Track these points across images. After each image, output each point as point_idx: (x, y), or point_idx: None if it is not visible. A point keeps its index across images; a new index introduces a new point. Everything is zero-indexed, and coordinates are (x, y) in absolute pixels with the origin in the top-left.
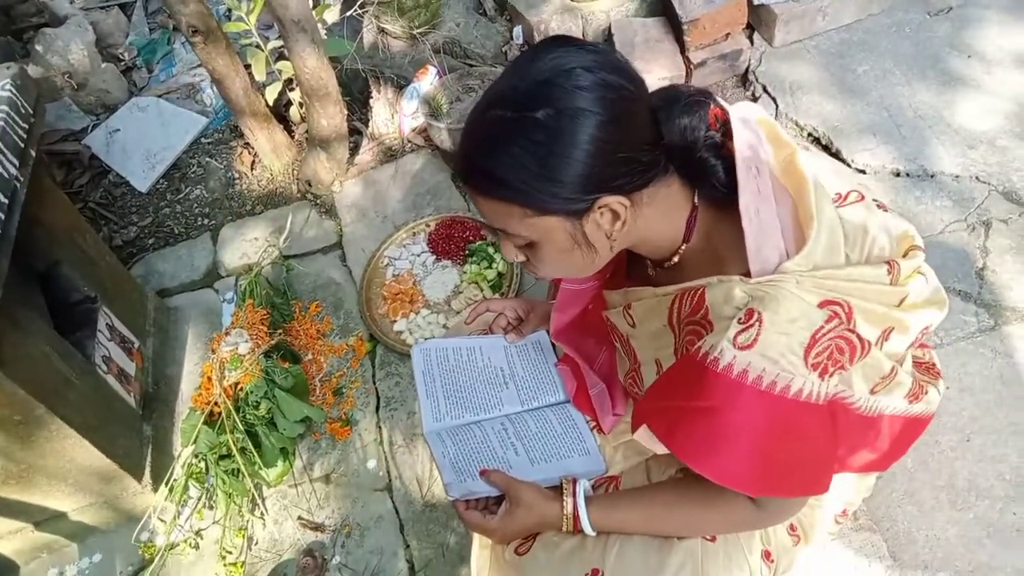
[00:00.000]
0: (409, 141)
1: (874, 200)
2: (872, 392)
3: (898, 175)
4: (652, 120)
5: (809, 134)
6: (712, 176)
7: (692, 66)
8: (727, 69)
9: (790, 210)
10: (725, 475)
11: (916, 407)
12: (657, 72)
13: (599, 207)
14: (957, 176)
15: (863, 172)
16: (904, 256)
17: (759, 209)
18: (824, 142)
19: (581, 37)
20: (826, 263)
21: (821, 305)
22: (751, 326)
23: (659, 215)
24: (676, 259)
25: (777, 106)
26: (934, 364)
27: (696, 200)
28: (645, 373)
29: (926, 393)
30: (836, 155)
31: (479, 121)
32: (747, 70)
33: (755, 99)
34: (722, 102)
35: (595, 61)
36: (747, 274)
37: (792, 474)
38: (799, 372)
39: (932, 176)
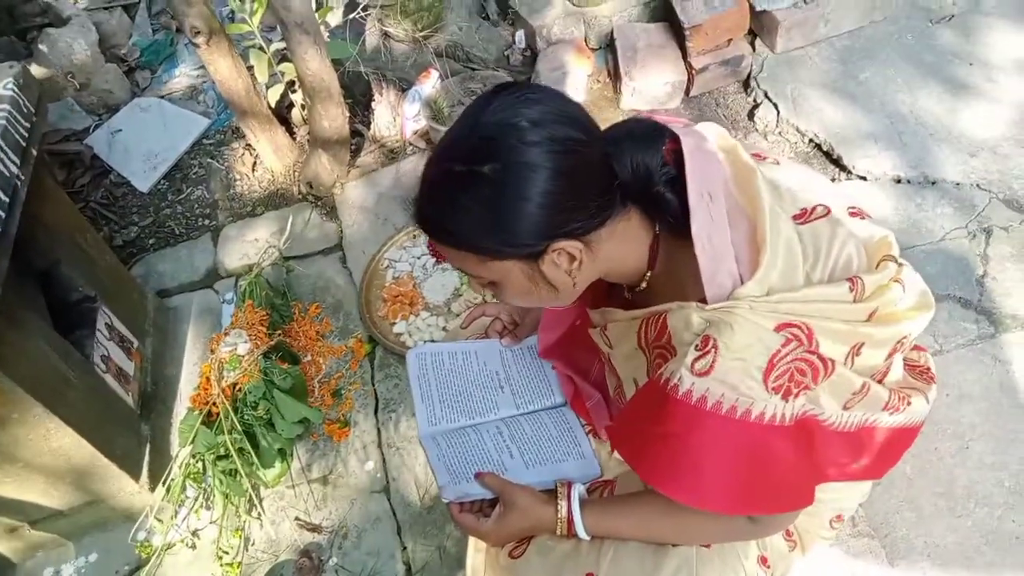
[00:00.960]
0: (410, 144)
1: (850, 208)
2: (845, 408)
3: (899, 182)
4: (605, 163)
5: (810, 140)
6: (668, 210)
7: (694, 71)
8: (729, 75)
9: (746, 233)
10: (691, 498)
11: (898, 418)
12: (659, 77)
13: (553, 250)
14: (958, 183)
15: (864, 179)
16: (876, 267)
17: (711, 235)
18: (825, 148)
19: (535, 83)
20: (782, 286)
21: (778, 328)
22: (707, 353)
23: (619, 248)
24: (644, 284)
25: (779, 112)
26: (928, 368)
27: (657, 228)
28: (627, 391)
29: (908, 404)
30: (837, 162)
31: (432, 172)
32: (749, 76)
33: (756, 105)
34: (678, 130)
35: (544, 113)
36: (704, 300)
37: (765, 493)
38: (759, 396)
39: (933, 183)
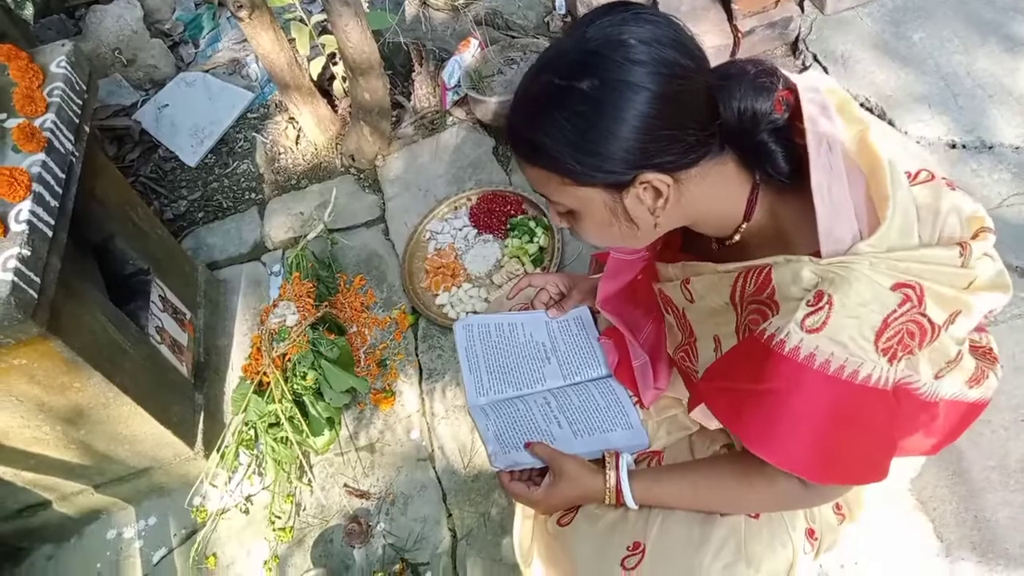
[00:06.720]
0: (451, 114)
1: (943, 178)
2: (936, 377)
3: (954, 147)
4: (709, 99)
5: (861, 104)
6: (770, 162)
7: (740, 34)
8: (776, 37)
9: (863, 189)
10: (786, 460)
11: (974, 392)
12: (704, 41)
13: (640, 183)
14: (1017, 147)
15: (916, 144)
16: (974, 238)
17: (831, 187)
18: (877, 113)
19: (644, 3)
20: (900, 244)
21: (894, 288)
22: (820, 309)
23: (712, 193)
24: (737, 237)
25: (828, 75)
26: (991, 349)
27: (757, 178)
28: (701, 348)
29: (987, 378)
30: (889, 126)
31: (528, 85)
32: (797, 38)
33: (805, 68)
34: (792, 77)
35: (653, 34)
36: (816, 254)
37: (853, 461)
38: (868, 357)
39: (990, 147)
